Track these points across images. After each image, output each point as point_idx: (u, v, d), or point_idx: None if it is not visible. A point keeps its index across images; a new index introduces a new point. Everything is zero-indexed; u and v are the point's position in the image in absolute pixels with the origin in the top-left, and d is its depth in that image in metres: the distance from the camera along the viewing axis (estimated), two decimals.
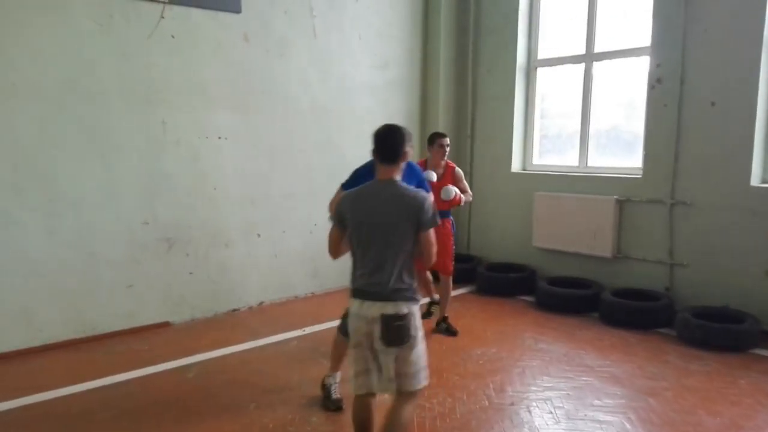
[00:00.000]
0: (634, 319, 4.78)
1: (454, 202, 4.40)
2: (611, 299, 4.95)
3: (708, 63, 4.73)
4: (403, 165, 2.57)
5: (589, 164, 5.81)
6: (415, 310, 2.49)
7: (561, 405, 3.46)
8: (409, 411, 2.54)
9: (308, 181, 5.65)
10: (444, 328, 4.71)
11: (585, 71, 5.73)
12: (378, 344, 2.44)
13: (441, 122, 6.48)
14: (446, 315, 4.76)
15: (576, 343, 4.50)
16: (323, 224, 2.62)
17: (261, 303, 5.51)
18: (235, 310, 5.32)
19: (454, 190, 4.36)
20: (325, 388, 3.48)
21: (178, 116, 4.80)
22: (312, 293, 5.84)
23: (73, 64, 4.27)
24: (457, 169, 4.69)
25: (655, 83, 5.04)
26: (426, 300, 5.21)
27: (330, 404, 3.39)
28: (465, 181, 4.70)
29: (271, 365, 4.08)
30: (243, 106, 5.18)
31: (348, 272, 2.61)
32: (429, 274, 4.87)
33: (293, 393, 3.62)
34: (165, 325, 4.90)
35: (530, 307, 5.45)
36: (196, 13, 4.81)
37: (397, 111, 6.40)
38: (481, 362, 4.12)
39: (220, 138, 5.07)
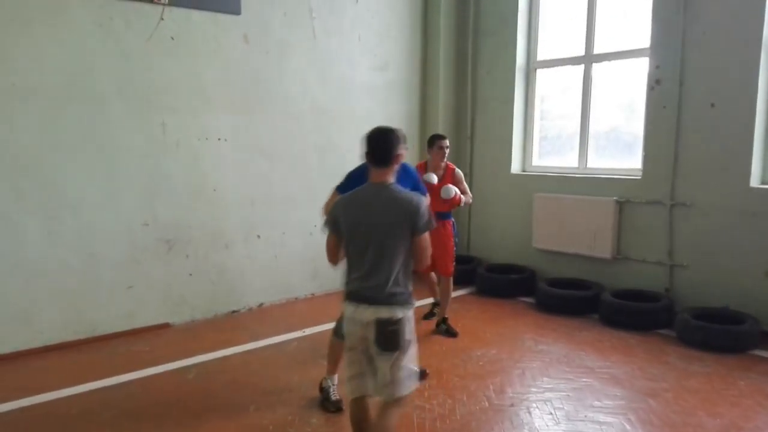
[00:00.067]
0: (634, 320, 4.78)
1: (454, 201, 4.40)
2: (611, 300, 4.95)
3: (707, 64, 4.73)
4: (396, 167, 2.54)
5: (589, 165, 5.81)
6: (409, 315, 2.47)
7: (561, 406, 3.46)
8: (396, 416, 2.52)
9: (308, 182, 5.65)
10: (444, 330, 4.72)
11: (584, 72, 5.74)
12: (373, 348, 2.42)
13: (441, 123, 6.49)
14: (446, 316, 4.76)
15: (576, 344, 4.50)
16: (323, 225, 2.60)
17: (261, 304, 5.51)
18: (235, 311, 5.32)
19: (453, 189, 4.37)
20: (324, 390, 3.48)
21: (178, 117, 4.81)
22: (312, 294, 5.85)
23: (73, 66, 4.28)
24: (457, 170, 4.70)
25: (655, 84, 5.05)
26: (430, 300, 5.24)
27: (329, 405, 3.39)
28: (465, 183, 4.70)
29: (271, 366, 4.09)
30: (243, 108, 5.19)
31: None
32: (434, 275, 4.87)
33: (293, 394, 3.62)
34: (165, 326, 4.90)
35: (530, 309, 5.45)
36: (196, 15, 4.81)
37: (397, 112, 6.41)
38: (481, 363, 4.12)
39: (219, 139, 5.08)
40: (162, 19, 4.63)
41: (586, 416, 3.33)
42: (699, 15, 4.74)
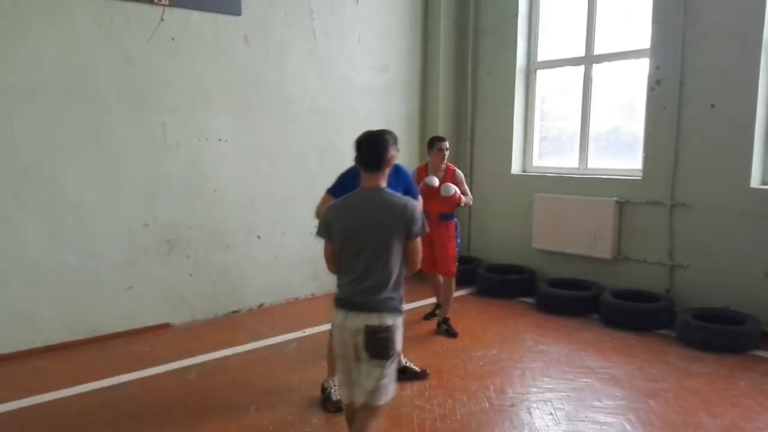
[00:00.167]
0: (635, 320, 4.78)
1: (454, 200, 4.42)
2: (611, 301, 4.95)
3: (707, 65, 4.73)
4: (387, 171, 2.52)
5: (589, 166, 5.82)
6: (399, 323, 2.44)
7: (561, 406, 3.46)
8: (376, 426, 2.48)
9: (308, 182, 5.64)
10: (444, 330, 4.72)
11: (585, 73, 5.74)
12: (362, 356, 2.40)
13: (441, 124, 6.50)
14: (447, 316, 4.77)
15: (576, 344, 4.50)
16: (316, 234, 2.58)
17: (261, 304, 5.51)
18: (235, 311, 5.33)
19: (453, 187, 4.40)
20: (325, 390, 3.48)
21: (178, 118, 4.81)
22: (312, 295, 5.85)
23: (74, 67, 4.29)
24: (458, 171, 4.70)
25: (655, 85, 5.05)
26: (432, 300, 5.25)
27: (330, 405, 3.39)
28: (465, 184, 4.71)
29: (272, 367, 4.09)
30: (243, 108, 5.20)
31: None
32: (440, 276, 4.89)
33: (293, 394, 3.62)
34: (165, 326, 4.91)
35: (530, 309, 5.45)
36: (196, 16, 4.82)
37: (397, 113, 6.42)
38: (481, 364, 4.12)
39: (220, 140, 5.08)
40: (162, 19, 4.64)
41: (586, 416, 3.33)
42: (699, 16, 4.74)
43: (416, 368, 3.86)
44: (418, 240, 2.45)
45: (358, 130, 2.72)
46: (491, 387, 3.72)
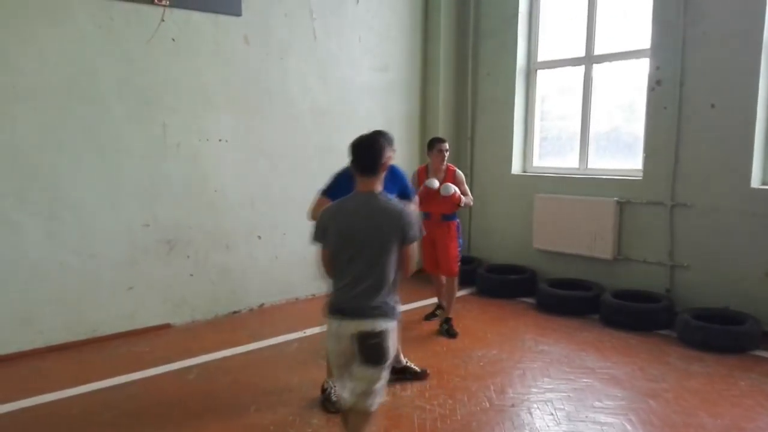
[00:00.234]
0: (635, 320, 4.78)
1: (453, 200, 4.43)
2: (612, 301, 4.95)
3: (707, 65, 4.73)
4: (383, 174, 2.52)
5: (590, 166, 5.82)
6: (392, 327, 2.44)
7: (562, 406, 3.46)
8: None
9: (308, 182, 5.60)
10: (445, 329, 4.72)
11: (585, 73, 5.74)
12: (357, 360, 2.41)
13: (441, 124, 6.50)
14: (450, 316, 4.79)
15: (576, 344, 4.50)
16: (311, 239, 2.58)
17: (261, 305, 5.51)
18: (235, 311, 5.33)
19: (453, 187, 4.42)
20: (325, 390, 3.48)
21: (178, 118, 4.81)
22: (312, 295, 5.84)
23: (74, 67, 4.29)
24: (458, 171, 4.71)
25: (655, 85, 5.05)
26: (433, 300, 5.26)
27: (330, 406, 3.39)
28: (466, 185, 4.72)
29: (272, 367, 4.09)
30: (243, 109, 5.20)
31: None
32: (443, 277, 4.91)
33: (294, 395, 3.62)
34: (166, 326, 4.91)
35: (531, 309, 5.45)
36: (197, 16, 4.82)
37: (397, 113, 6.42)
38: (481, 364, 4.12)
39: (220, 140, 5.08)
40: (163, 20, 4.64)
41: (586, 417, 3.33)
42: (699, 16, 4.74)
43: (416, 368, 3.87)
44: (413, 246, 2.45)
45: (358, 131, 2.72)
46: (492, 387, 3.72)
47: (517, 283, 5.82)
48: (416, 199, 3.76)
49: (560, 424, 3.26)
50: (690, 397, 3.55)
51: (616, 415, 3.34)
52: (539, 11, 6.14)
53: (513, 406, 3.48)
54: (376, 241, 2.38)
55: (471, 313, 5.29)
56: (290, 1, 5.38)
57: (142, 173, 4.68)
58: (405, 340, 4.59)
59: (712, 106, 4.73)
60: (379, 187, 2.50)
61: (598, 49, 5.65)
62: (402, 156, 6.39)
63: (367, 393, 2.40)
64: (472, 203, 4.78)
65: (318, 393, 3.54)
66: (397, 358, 3.63)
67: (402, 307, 5.58)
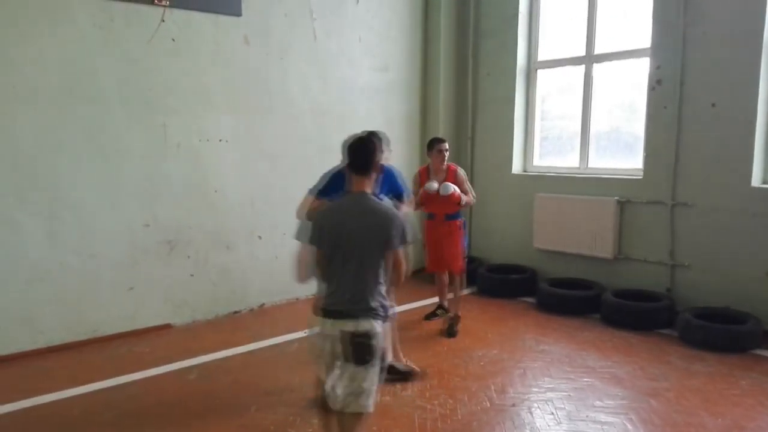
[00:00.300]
0: (636, 320, 4.77)
1: (453, 198, 4.45)
2: (612, 300, 4.95)
3: (708, 64, 4.73)
4: (375, 174, 2.54)
5: (590, 165, 5.81)
6: (377, 327, 2.43)
7: (562, 406, 3.46)
8: None
9: (309, 183, 5.61)
10: (446, 327, 4.74)
11: (585, 73, 5.74)
12: (345, 361, 2.41)
13: (441, 124, 6.49)
14: (459, 314, 4.82)
15: (577, 344, 4.50)
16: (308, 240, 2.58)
17: (262, 305, 5.51)
18: (236, 312, 5.33)
19: (451, 186, 4.44)
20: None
21: (178, 119, 4.82)
22: (313, 295, 5.82)
23: (74, 68, 4.29)
24: (460, 171, 4.72)
25: (655, 85, 5.05)
26: (434, 300, 5.27)
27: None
28: (468, 184, 4.74)
29: (272, 367, 4.09)
30: (243, 109, 5.20)
31: None
32: (446, 277, 4.94)
33: (294, 395, 3.62)
34: (166, 327, 4.91)
35: (531, 309, 5.44)
36: (197, 17, 4.82)
37: (397, 113, 6.42)
38: (482, 363, 4.11)
39: (220, 140, 5.08)
40: (163, 20, 4.64)
41: (587, 416, 3.33)
42: (699, 15, 4.74)
43: (406, 368, 3.82)
44: (402, 251, 2.45)
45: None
46: (492, 387, 3.72)
47: (517, 283, 5.82)
48: (411, 198, 3.77)
49: (561, 423, 3.26)
50: (691, 397, 3.55)
51: (616, 415, 3.34)
52: (539, 11, 6.13)
53: (514, 405, 3.47)
54: (366, 242, 2.39)
55: (471, 313, 5.28)
56: (290, 1, 5.38)
57: (143, 173, 4.68)
58: (405, 340, 4.59)
59: (713, 105, 4.72)
60: (371, 187, 2.51)
61: (599, 49, 5.65)
62: (402, 156, 6.41)
63: (359, 393, 2.39)
64: (474, 201, 4.79)
65: (318, 393, 3.53)
66: (390, 357, 3.62)
67: (402, 307, 5.62)
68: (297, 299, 5.73)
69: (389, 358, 3.74)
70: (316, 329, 2.51)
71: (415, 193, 4.68)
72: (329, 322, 2.42)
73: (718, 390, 3.64)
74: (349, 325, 2.37)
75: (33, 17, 4.10)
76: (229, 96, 5.10)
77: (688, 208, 4.93)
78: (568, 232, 5.66)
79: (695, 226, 4.90)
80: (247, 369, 4.06)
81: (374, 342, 2.39)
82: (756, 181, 4.63)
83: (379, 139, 2.59)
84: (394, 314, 2.55)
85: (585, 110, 5.77)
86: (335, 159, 6.13)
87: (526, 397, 3.59)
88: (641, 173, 5.26)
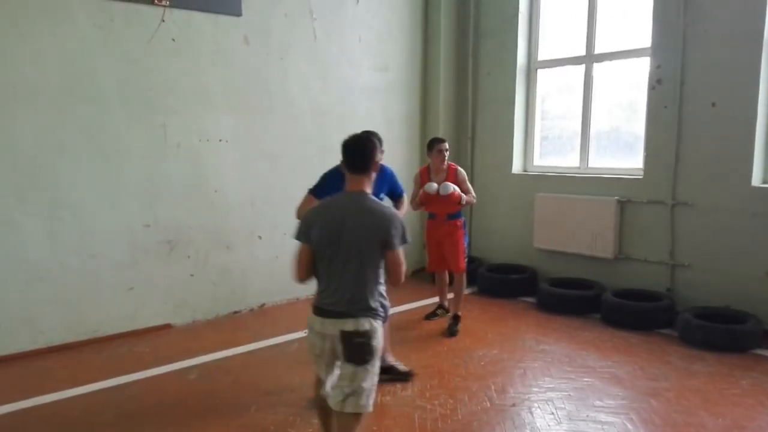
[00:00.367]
0: (636, 319, 4.77)
1: (453, 198, 4.45)
2: (612, 300, 4.94)
3: (708, 64, 4.73)
4: (373, 175, 2.53)
5: (590, 165, 5.81)
6: (377, 327, 2.42)
7: (563, 406, 3.46)
8: None
9: (309, 183, 5.62)
10: (448, 326, 4.74)
11: (585, 72, 5.73)
12: (341, 360, 2.41)
13: (441, 124, 6.49)
14: (459, 314, 4.82)
15: (577, 344, 4.49)
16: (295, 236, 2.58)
17: (262, 305, 5.51)
18: (236, 312, 5.33)
19: (451, 186, 4.45)
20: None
21: (178, 119, 4.81)
22: (313, 295, 5.83)
23: (74, 68, 4.29)
24: (460, 170, 4.73)
25: (656, 84, 5.04)
26: (434, 300, 5.28)
27: None
28: (468, 183, 4.74)
29: (273, 367, 4.09)
30: (243, 109, 5.20)
31: None
32: (447, 276, 4.97)
33: (294, 395, 3.62)
34: (166, 327, 4.91)
35: (531, 309, 5.44)
36: (197, 17, 4.82)
37: (397, 113, 6.42)
38: (482, 363, 4.11)
39: (220, 140, 5.08)
40: (163, 20, 4.64)
41: (587, 416, 3.33)
42: (700, 14, 4.74)
43: (402, 368, 3.81)
44: (399, 252, 2.42)
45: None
46: (492, 387, 3.72)
47: (517, 283, 5.82)
48: (406, 197, 3.78)
49: (561, 423, 3.26)
50: (691, 396, 3.55)
51: (617, 414, 3.33)
52: (539, 10, 6.13)
53: (514, 405, 3.47)
54: (362, 241, 2.37)
55: (472, 313, 5.28)
56: (290, 1, 5.38)
57: (143, 173, 4.68)
58: (406, 339, 4.60)
59: (713, 104, 4.72)
60: (368, 187, 2.50)
61: (599, 48, 5.64)
62: (402, 156, 6.42)
63: (359, 393, 2.38)
64: (474, 201, 4.79)
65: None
66: (383, 357, 3.61)
67: (402, 307, 5.63)
68: (297, 299, 5.73)
69: (390, 359, 3.77)
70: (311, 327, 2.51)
71: (416, 194, 4.70)
72: (321, 318, 2.42)
73: (719, 390, 3.64)
74: (349, 325, 2.37)
75: (33, 17, 4.10)
76: (229, 96, 5.09)
77: (689, 208, 4.93)
78: (568, 232, 5.66)
79: (695, 226, 4.90)
80: (248, 369, 4.06)
81: (374, 342, 2.39)
82: (756, 180, 4.63)
83: (379, 139, 2.58)
84: (387, 313, 2.54)
85: (585, 110, 5.77)
86: (335, 159, 6.12)
87: (527, 396, 3.59)
88: (641, 173, 5.26)
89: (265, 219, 5.44)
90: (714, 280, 4.80)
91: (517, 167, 6.31)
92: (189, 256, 4.99)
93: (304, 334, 4.66)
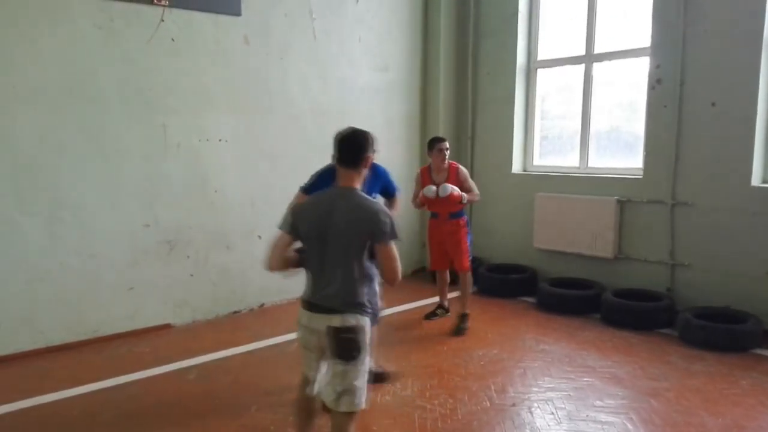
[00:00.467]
0: (636, 319, 4.77)
1: (452, 199, 4.45)
2: (612, 300, 4.94)
3: (708, 63, 4.73)
4: (365, 172, 2.50)
5: (590, 165, 5.81)
6: (364, 323, 2.40)
7: (562, 406, 3.46)
8: None
9: None
10: (456, 324, 4.75)
11: (585, 72, 5.73)
12: (329, 356, 2.40)
13: (441, 124, 6.49)
14: (467, 312, 4.82)
15: (577, 343, 4.49)
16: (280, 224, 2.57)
17: (262, 305, 5.51)
18: (236, 312, 5.33)
19: (449, 187, 4.45)
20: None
21: (178, 119, 4.81)
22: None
23: (74, 68, 4.29)
24: (461, 168, 4.74)
25: (655, 84, 5.04)
26: (434, 299, 5.28)
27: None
28: (471, 181, 4.75)
29: (273, 367, 4.09)
30: (243, 109, 5.20)
31: None
32: (447, 276, 4.99)
33: (294, 395, 3.60)
34: (166, 327, 4.91)
35: (531, 308, 5.44)
36: (197, 16, 4.82)
37: (397, 113, 6.41)
38: (482, 363, 4.11)
39: (220, 140, 5.08)
40: (162, 20, 4.64)
41: (587, 416, 3.33)
42: (699, 14, 4.74)
43: (380, 370, 3.72)
44: (390, 247, 2.37)
45: None
46: (492, 386, 3.72)
47: (517, 283, 5.82)
48: (400, 196, 3.77)
49: (561, 423, 3.26)
50: (691, 396, 3.55)
51: (617, 414, 3.33)
52: (539, 10, 6.13)
53: (514, 405, 3.47)
54: (350, 236, 2.35)
55: (472, 313, 5.26)
56: (290, 1, 5.38)
57: (143, 173, 4.68)
58: (405, 339, 4.61)
59: (713, 104, 4.72)
60: (358, 184, 2.48)
61: (599, 48, 5.64)
62: (402, 156, 6.42)
63: (350, 391, 2.36)
64: (478, 198, 4.79)
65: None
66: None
67: (402, 307, 5.61)
68: (297, 299, 5.72)
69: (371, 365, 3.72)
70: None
71: (417, 193, 4.72)
72: (316, 316, 2.40)
73: (719, 390, 3.63)
74: (336, 321, 2.35)
75: (33, 17, 4.10)
76: (229, 96, 5.09)
77: (689, 208, 4.93)
78: (568, 232, 5.66)
79: (695, 226, 4.90)
80: (247, 369, 4.06)
81: (361, 337, 2.37)
82: (756, 180, 4.63)
83: (372, 136, 2.57)
84: (377, 310, 2.53)
85: (585, 109, 5.77)
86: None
87: (527, 396, 3.59)
88: (641, 173, 5.25)
89: (265, 219, 5.42)
90: (714, 280, 4.80)
91: (517, 167, 6.31)
92: (189, 256, 4.99)
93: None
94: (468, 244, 4.77)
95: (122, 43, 4.48)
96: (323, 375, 2.49)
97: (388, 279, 2.41)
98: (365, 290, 2.42)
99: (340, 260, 2.37)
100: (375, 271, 2.46)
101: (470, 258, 4.82)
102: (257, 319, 5.22)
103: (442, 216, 4.71)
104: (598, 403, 3.49)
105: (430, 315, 5.11)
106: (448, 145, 4.72)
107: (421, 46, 6.57)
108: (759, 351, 4.25)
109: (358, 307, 2.38)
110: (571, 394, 3.62)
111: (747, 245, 4.61)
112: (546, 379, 3.85)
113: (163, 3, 4.61)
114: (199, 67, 4.89)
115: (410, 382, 3.76)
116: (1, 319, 4.15)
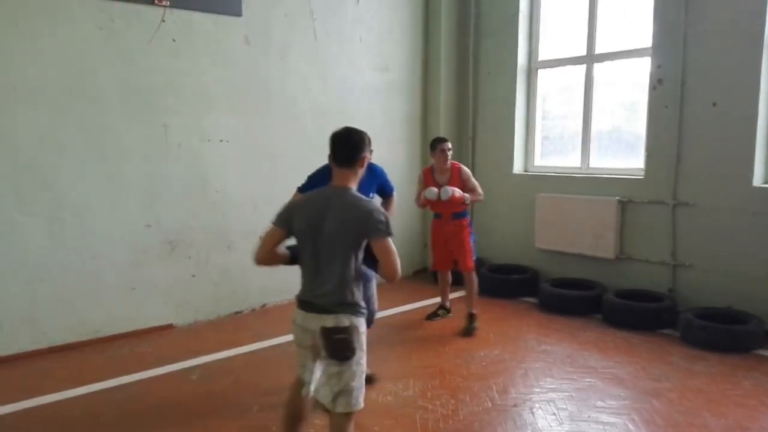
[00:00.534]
0: (637, 320, 4.77)
1: (454, 200, 4.45)
2: (614, 300, 4.94)
3: (709, 63, 4.72)
4: (360, 171, 2.48)
5: (591, 165, 5.80)
6: (358, 323, 2.39)
7: (564, 406, 3.45)
8: None
9: None
10: (466, 324, 4.75)
11: (586, 72, 5.73)
12: (323, 356, 2.40)
13: (442, 124, 6.49)
14: (474, 312, 4.82)
15: (579, 344, 4.49)
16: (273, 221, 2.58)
17: (264, 305, 5.51)
18: (237, 312, 5.33)
19: (450, 189, 4.45)
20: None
21: (179, 119, 4.81)
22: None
23: (74, 68, 4.29)
24: (464, 168, 4.74)
25: (657, 84, 5.04)
26: (436, 300, 5.27)
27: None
28: (474, 180, 4.75)
29: (274, 367, 4.09)
30: (244, 109, 5.20)
31: None
32: (449, 276, 4.99)
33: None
34: (168, 327, 4.91)
35: (533, 309, 5.44)
36: (197, 17, 4.82)
37: (398, 113, 6.41)
38: (484, 364, 4.11)
39: (221, 140, 5.08)
40: (163, 20, 4.64)
41: (589, 416, 3.33)
42: (700, 14, 4.73)
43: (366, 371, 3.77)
44: (387, 243, 2.33)
45: None
46: (494, 387, 3.71)
47: (519, 283, 5.82)
48: (395, 194, 3.78)
49: (563, 423, 3.25)
50: (693, 397, 3.54)
51: (618, 415, 3.33)
52: (540, 10, 6.13)
53: (515, 405, 3.47)
54: (343, 235, 2.34)
55: None
56: (290, 1, 5.38)
57: (143, 174, 4.68)
58: (407, 340, 4.60)
59: (714, 104, 4.72)
60: (353, 184, 2.47)
61: (600, 48, 5.64)
62: (403, 156, 6.42)
63: (347, 392, 2.36)
64: (481, 198, 4.77)
65: None
66: None
67: (403, 308, 5.61)
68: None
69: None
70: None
71: (419, 193, 4.72)
72: (310, 316, 2.40)
73: (721, 390, 3.63)
74: (329, 321, 2.34)
75: (33, 17, 4.10)
76: (230, 96, 5.09)
77: (690, 208, 4.92)
78: (569, 232, 5.66)
79: (697, 226, 4.90)
80: (249, 369, 4.06)
81: (354, 338, 2.36)
82: (757, 180, 4.63)
83: (367, 136, 2.57)
84: (370, 311, 2.53)
85: (586, 110, 5.77)
86: None
87: (528, 397, 3.58)
88: (642, 173, 5.25)
89: (266, 219, 5.34)
90: (716, 281, 4.80)
91: (518, 167, 6.31)
92: (190, 257, 4.99)
93: None
94: (472, 243, 4.76)
95: (123, 44, 4.48)
96: (319, 376, 2.48)
97: (388, 275, 2.36)
98: (358, 291, 2.42)
99: (334, 259, 2.36)
100: (372, 273, 2.46)
101: (474, 258, 4.81)
102: (259, 319, 5.22)
103: (446, 216, 4.72)
104: (600, 403, 3.49)
105: (432, 315, 5.11)
106: (450, 146, 4.72)
107: (422, 46, 6.56)
108: (761, 351, 4.24)
109: (351, 307, 2.38)
110: (573, 394, 3.62)
111: (748, 245, 4.61)
112: (548, 379, 3.84)
113: (163, 3, 4.61)
114: (199, 67, 4.88)
115: (412, 382, 3.76)
116: (4, 320, 4.15)
